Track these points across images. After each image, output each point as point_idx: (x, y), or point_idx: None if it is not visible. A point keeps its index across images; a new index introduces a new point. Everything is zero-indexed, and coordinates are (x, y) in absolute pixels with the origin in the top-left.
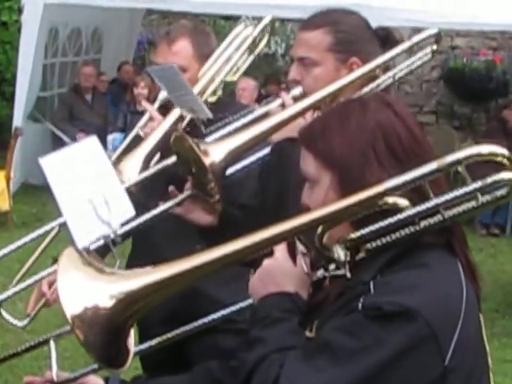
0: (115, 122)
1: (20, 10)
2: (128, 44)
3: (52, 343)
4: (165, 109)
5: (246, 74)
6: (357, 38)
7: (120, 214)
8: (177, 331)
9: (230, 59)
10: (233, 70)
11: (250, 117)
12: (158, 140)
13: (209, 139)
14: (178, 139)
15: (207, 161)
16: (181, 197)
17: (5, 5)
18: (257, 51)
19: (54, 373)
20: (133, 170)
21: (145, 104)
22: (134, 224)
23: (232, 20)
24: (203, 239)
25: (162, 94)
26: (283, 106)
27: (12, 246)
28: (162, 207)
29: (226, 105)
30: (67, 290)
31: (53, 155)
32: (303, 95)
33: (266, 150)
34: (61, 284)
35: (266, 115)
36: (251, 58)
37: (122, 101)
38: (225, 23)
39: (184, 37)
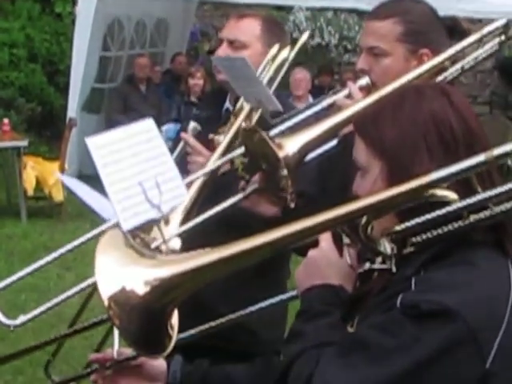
0: (169, 113)
1: (74, 2)
2: (181, 35)
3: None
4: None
5: (300, 64)
6: (427, 29)
7: (173, 198)
8: (222, 320)
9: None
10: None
11: (317, 107)
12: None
13: (274, 131)
14: (249, 132)
15: (281, 154)
16: (248, 190)
17: None
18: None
19: (115, 350)
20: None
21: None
22: (205, 216)
23: (285, 11)
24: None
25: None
26: (349, 96)
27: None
28: (230, 201)
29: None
30: (105, 270)
31: (102, 135)
32: (370, 85)
33: (333, 143)
34: (99, 263)
35: (333, 105)
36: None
37: (175, 92)
38: (277, 13)
39: (256, 17)
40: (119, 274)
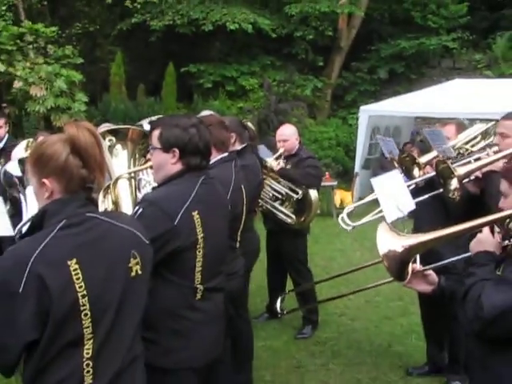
0: None
1: (357, 119)
2: (407, 136)
3: None
4: None
5: None
6: None
7: (408, 208)
8: (434, 265)
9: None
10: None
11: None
12: None
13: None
14: (441, 162)
15: (456, 173)
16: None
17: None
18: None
19: (418, 264)
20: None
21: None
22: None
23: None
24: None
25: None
26: None
27: None
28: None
29: None
30: (382, 243)
31: (378, 177)
32: None
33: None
34: (379, 240)
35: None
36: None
37: None
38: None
39: (452, 124)
40: (389, 243)
